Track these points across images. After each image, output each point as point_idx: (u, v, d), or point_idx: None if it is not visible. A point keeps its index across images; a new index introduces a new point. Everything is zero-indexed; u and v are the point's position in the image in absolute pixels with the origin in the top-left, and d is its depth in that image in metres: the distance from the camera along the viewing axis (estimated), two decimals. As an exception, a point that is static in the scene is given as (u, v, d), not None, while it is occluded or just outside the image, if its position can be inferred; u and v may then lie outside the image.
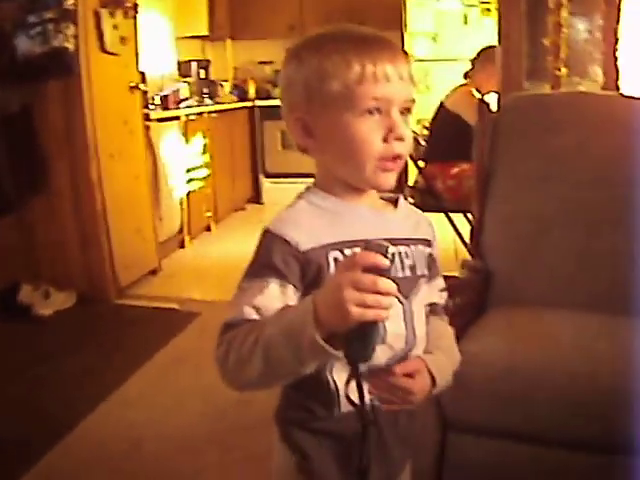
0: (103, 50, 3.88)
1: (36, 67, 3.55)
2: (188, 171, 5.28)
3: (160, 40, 5.80)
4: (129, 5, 4.12)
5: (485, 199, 2.28)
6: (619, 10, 2.98)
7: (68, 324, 3.65)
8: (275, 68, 6.96)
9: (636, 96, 2.38)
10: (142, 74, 4.54)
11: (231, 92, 6.85)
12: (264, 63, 7.10)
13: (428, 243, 1.14)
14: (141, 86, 4.34)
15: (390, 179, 1.04)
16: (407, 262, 1.07)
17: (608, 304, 1.99)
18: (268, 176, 6.91)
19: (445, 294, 1.22)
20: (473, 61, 4.23)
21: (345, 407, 1.04)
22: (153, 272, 4.53)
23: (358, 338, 0.85)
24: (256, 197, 7.01)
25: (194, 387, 2.83)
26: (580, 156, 2.19)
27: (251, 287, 0.99)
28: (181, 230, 5.22)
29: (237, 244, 5.18)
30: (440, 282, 1.20)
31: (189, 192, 5.30)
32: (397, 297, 0.99)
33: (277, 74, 6.88)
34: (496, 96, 3.50)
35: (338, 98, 0.99)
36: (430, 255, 1.14)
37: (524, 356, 1.71)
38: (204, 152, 5.59)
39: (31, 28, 3.45)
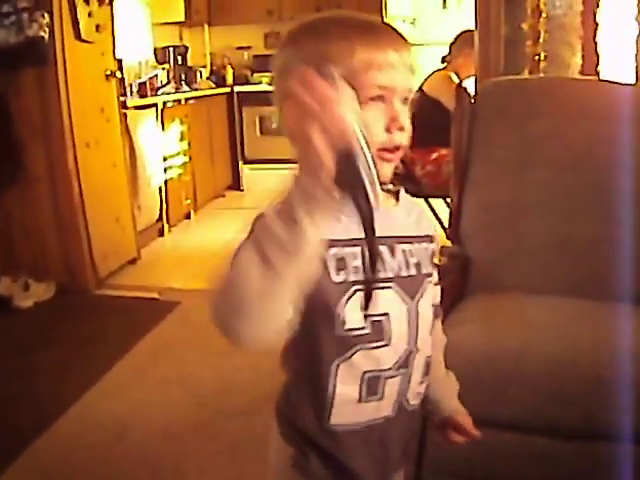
0: (79, 38, 3.83)
1: (11, 57, 3.49)
2: (166, 159, 5.24)
3: (137, 27, 5.75)
4: (104, -8, 4.07)
5: (463, 185, 2.28)
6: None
7: (48, 316, 3.63)
8: (253, 53, 6.92)
9: (616, 81, 2.38)
10: (119, 61, 4.51)
11: (209, 78, 6.80)
12: (242, 48, 7.04)
13: (430, 239, 1.10)
14: (117, 74, 4.29)
15: (388, 170, 1.00)
16: (412, 260, 1.03)
17: (588, 291, 1.99)
18: (247, 162, 6.87)
19: (439, 288, 1.16)
20: (451, 46, 4.21)
21: (336, 419, 1.01)
22: (132, 261, 4.50)
23: (345, 168, 0.72)
24: (236, 184, 6.94)
25: (176, 376, 2.82)
26: (559, 142, 2.18)
27: None
28: (160, 218, 5.19)
29: (217, 232, 5.17)
30: (435, 275, 1.14)
31: (167, 180, 5.26)
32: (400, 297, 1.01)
33: (255, 59, 6.84)
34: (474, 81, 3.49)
35: None
36: (433, 252, 1.10)
37: (504, 344, 1.71)
38: (182, 139, 5.55)
39: (5, 18, 3.39)
